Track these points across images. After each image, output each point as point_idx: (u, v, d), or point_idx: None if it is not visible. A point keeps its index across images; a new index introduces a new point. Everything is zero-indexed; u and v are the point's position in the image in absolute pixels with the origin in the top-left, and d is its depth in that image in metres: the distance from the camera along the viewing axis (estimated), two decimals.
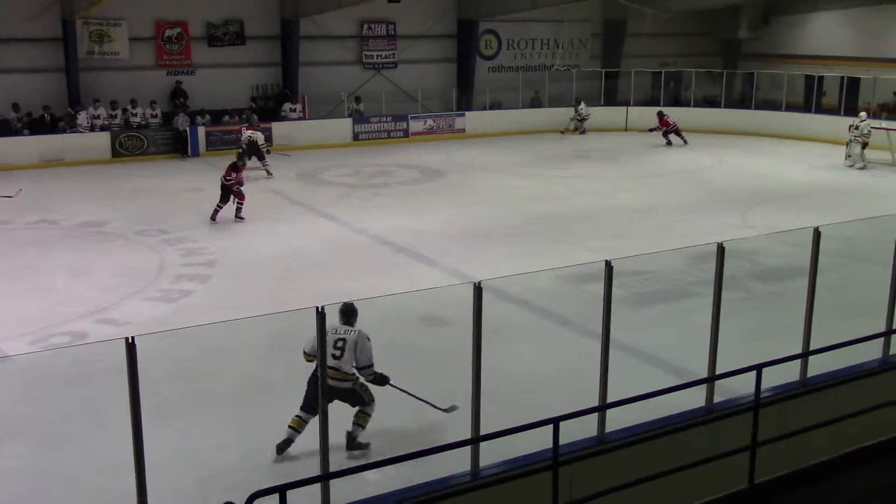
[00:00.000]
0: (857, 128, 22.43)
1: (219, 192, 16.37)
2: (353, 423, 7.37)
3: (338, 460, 5.19)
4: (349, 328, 7.37)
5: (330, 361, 7.04)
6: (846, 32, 31.71)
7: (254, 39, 26.80)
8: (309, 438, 5.27)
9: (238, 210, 16.28)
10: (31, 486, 7.01)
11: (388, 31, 28.95)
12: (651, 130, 26.65)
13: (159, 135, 23.88)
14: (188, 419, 8.20)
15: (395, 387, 7.37)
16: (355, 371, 7.30)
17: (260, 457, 7.31)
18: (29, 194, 18.43)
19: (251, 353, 9.55)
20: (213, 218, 16.18)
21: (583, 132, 28.44)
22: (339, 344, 7.28)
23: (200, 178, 20.72)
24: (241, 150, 18.40)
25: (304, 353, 7.31)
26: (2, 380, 9.18)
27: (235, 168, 16.34)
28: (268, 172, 21.03)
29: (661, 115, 26.61)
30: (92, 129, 23.38)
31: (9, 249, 14.25)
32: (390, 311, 10.56)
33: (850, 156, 22.50)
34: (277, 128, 25.33)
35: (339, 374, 7.23)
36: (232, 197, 16.32)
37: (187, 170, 22.28)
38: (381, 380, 7.39)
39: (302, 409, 7.31)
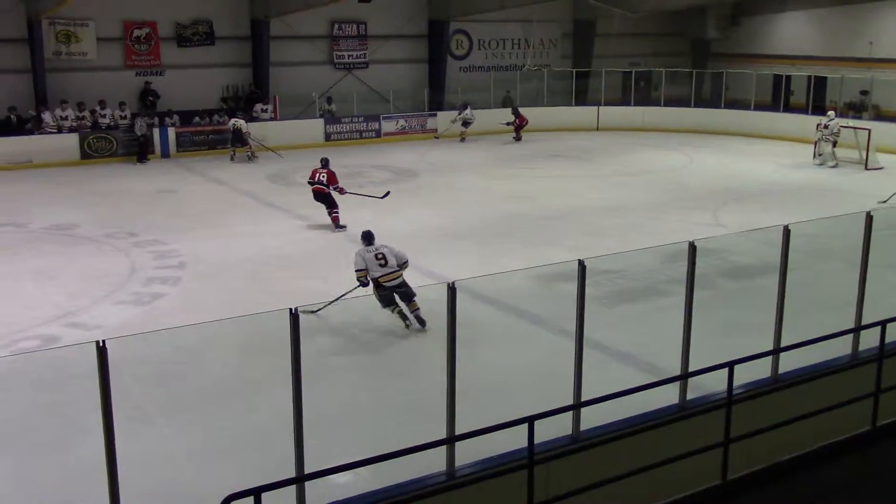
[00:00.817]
0: (826, 127, 22.73)
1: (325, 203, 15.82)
2: (414, 312, 10.11)
3: (313, 462, 5.16)
4: (379, 244, 10.45)
5: (381, 271, 10.19)
6: (813, 32, 32.12)
7: (223, 40, 26.62)
8: (284, 440, 5.24)
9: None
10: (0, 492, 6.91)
11: (359, 31, 28.88)
12: (508, 124, 27.14)
13: (128, 136, 23.63)
14: (161, 422, 8.12)
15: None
16: (398, 269, 10.22)
17: (234, 459, 7.26)
18: None
19: (223, 355, 9.48)
20: (339, 226, 15.61)
21: (462, 139, 26.97)
22: (380, 256, 10.25)
23: (171, 180, 20.56)
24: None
25: (357, 271, 10.26)
26: None
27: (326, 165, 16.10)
28: (249, 157, 23.33)
29: (516, 111, 27.31)
30: (59, 130, 23.10)
31: None
32: (363, 311, 10.54)
33: (820, 154, 22.80)
34: (249, 128, 25.15)
35: (391, 276, 10.16)
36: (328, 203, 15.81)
37: (157, 171, 22.06)
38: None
39: (385, 307, 10.20)
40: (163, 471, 7.08)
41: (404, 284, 10.24)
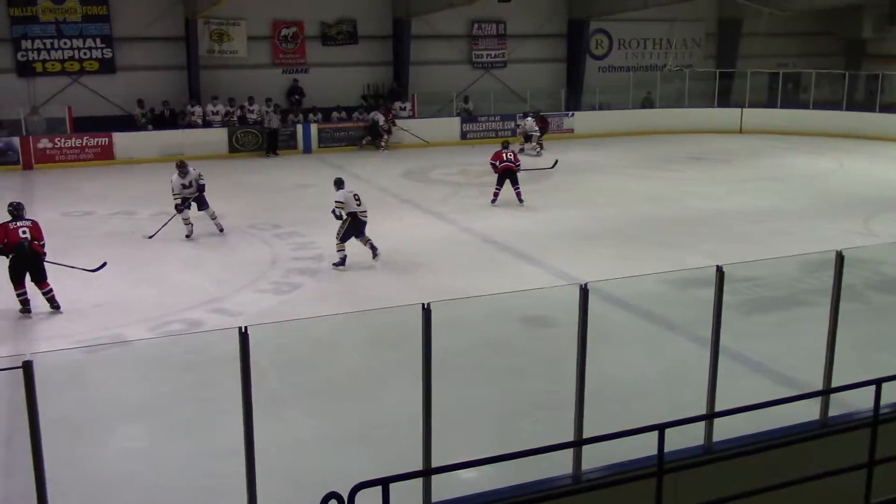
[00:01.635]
0: None
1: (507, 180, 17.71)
2: (368, 242, 13.36)
3: (438, 456, 5.21)
4: (349, 189, 13.39)
5: (359, 208, 13.18)
6: None
7: (366, 39, 27.27)
8: (413, 432, 5.32)
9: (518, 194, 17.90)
10: (145, 467, 7.31)
11: (497, 30, 28.98)
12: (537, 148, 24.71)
13: (265, 129, 24.49)
14: (295, 409, 8.40)
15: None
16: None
17: (362, 449, 7.43)
18: (155, 187, 19.15)
19: (356, 346, 9.71)
20: (520, 200, 17.73)
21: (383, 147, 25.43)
22: (357, 196, 13.24)
23: (311, 175, 21.21)
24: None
25: (336, 202, 13.19)
26: (121, 363, 9.62)
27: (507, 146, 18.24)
28: (378, 146, 24.95)
29: (542, 117, 25.84)
30: (208, 125, 24.23)
31: (131, 241, 14.89)
32: (494, 309, 10.56)
33: None
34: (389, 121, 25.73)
35: (364, 213, 13.24)
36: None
37: (299, 165, 22.85)
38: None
39: (357, 238, 13.31)
40: (295, 456, 7.31)
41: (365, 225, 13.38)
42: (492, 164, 17.88)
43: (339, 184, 13.47)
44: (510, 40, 29.18)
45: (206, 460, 7.25)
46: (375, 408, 8.31)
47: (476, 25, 28.63)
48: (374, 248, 13.31)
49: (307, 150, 24.85)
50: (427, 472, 5.11)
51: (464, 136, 26.71)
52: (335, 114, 26.12)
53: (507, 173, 17.59)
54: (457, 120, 26.85)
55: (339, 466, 7.00)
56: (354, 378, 9.12)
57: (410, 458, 5.24)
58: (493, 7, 27.31)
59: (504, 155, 17.64)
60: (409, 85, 27.49)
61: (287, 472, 6.82)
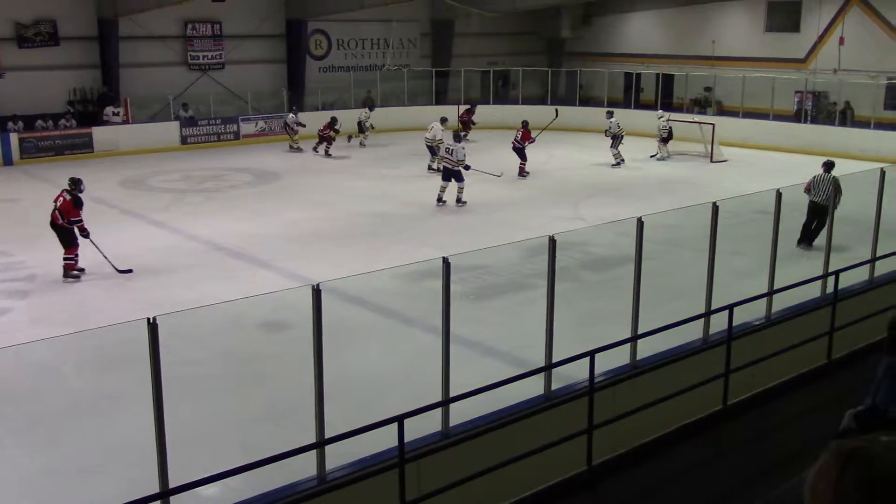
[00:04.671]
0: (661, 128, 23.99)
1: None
2: (460, 192, 17.34)
3: (179, 475, 4.99)
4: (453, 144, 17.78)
5: (447, 155, 17.57)
6: (660, 32, 33.58)
7: (69, 40, 25.39)
8: (149, 454, 5.05)
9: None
10: None
11: (213, 30, 28.17)
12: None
13: None
14: (12, 443, 7.69)
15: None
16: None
17: (95, 477, 6.95)
18: None
19: (78, 369, 9.06)
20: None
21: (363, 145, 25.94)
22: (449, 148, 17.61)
23: (15, 189, 19.46)
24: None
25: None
26: None
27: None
28: (361, 144, 25.57)
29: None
30: None
31: None
32: (229, 318, 10.29)
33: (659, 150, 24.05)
34: (99, 132, 24.17)
35: (451, 161, 17.26)
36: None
37: (2, 180, 20.84)
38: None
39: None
40: (20, 494, 6.71)
41: (459, 174, 17.50)
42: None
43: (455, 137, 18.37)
44: (227, 41, 28.47)
45: None
46: (107, 432, 7.80)
47: (190, 26, 27.64)
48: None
49: (7, 161, 22.71)
50: (164, 494, 4.88)
51: (184, 140, 25.69)
52: (40, 122, 24.10)
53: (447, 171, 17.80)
54: (175, 124, 25.78)
55: (70, 499, 6.51)
56: (80, 404, 8.50)
57: (148, 482, 4.98)
58: (207, 7, 26.50)
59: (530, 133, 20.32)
60: (120, 89, 25.96)
61: None
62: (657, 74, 29.37)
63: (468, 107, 27.22)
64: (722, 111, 28.53)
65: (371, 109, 26.25)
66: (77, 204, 12.87)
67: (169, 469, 4.98)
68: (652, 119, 25.00)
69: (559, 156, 24.53)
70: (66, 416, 8.24)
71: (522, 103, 30.54)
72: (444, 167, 18.00)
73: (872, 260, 9.81)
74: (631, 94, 30.55)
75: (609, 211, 16.51)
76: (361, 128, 25.76)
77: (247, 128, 26.92)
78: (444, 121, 22.64)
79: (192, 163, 23.04)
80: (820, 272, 9.18)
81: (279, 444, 5.37)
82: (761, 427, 7.80)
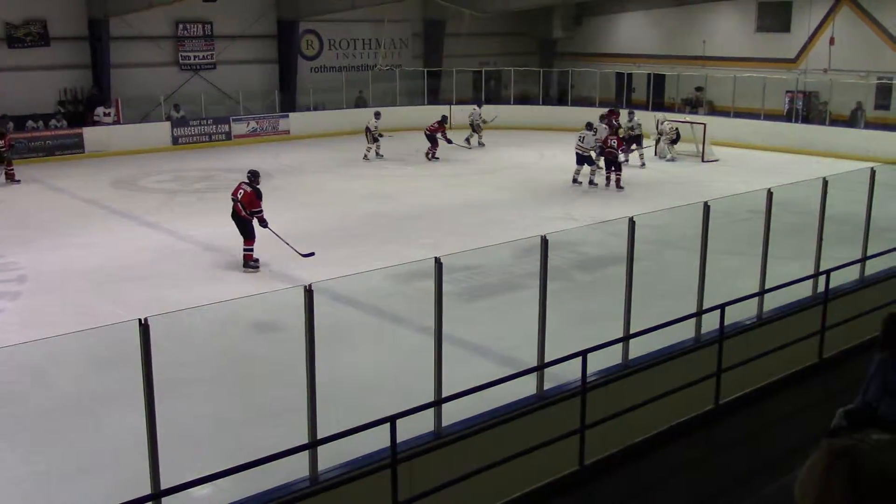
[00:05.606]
0: (660, 132, 24.00)
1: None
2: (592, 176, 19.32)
3: (171, 477, 4.98)
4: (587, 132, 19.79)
5: (579, 142, 19.47)
6: (651, 32, 33.62)
7: (59, 40, 25.29)
8: (140, 455, 5.04)
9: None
10: None
11: (204, 31, 28.10)
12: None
13: None
14: (2, 445, 7.66)
15: None
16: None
17: (87, 479, 6.93)
18: None
19: (69, 371, 9.02)
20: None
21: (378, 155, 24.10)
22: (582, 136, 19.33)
23: (6, 190, 19.40)
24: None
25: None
26: None
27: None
28: (377, 153, 23.65)
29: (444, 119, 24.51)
30: None
31: None
32: (221, 318, 10.26)
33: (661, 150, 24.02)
34: (90, 133, 24.07)
35: (581, 148, 19.25)
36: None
37: None
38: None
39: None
40: (11, 496, 6.69)
41: (591, 159, 19.78)
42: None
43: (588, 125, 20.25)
44: (218, 41, 28.40)
45: None
46: (97, 434, 7.78)
47: (181, 26, 27.56)
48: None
49: None
50: (156, 496, 4.87)
51: (175, 141, 25.62)
52: (30, 122, 24.00)
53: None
54: (167, 125, 25.70)
55: (65, 502, 6.49)
56: (71, 405, 8.47)
57: (139, 483, 4.97)
58: (198, 7, 26.42)
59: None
60: (111, 89, 25.87)
61: None
62: (648, 74, 29.42)
63: (438, 121, 24.06)
64: (713, 111, 28.61)
65: (378, 117, 23.69)
66: (258, 195, 13.18)
67: (161, 470, 4.97)
68: (648, 119, 25.03)
69: (550, 156, 24.54)
70: (57, 417, 8.21)
71: (514, 103, 30.59)
72: (577, 153, 19.69)
73: (863, 259, 9.86)
74: (623, 94, 30.60)
75: (600, 211, 16.53)
76: (372, 136, 23.60)
77: (238, 128, 26.84)
78: (373, 119, 23.48)
79: (184, 163, 22.97)
80: (811, 271, 9.21)
81: (271, 445, 5.36)
82: (753, 426, 7.82)
